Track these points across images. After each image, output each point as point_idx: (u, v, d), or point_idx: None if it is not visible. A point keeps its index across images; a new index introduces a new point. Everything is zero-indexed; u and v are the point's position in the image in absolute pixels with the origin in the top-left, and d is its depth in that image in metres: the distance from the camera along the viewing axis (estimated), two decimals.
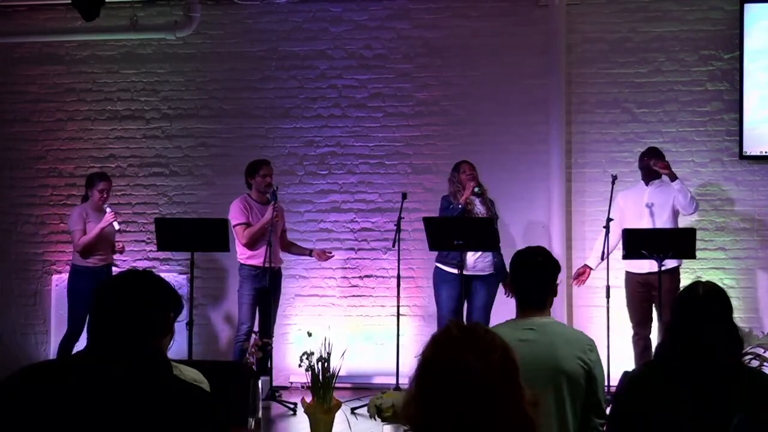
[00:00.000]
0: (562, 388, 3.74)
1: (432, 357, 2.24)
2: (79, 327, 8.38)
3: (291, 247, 8.82)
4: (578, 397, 3.78)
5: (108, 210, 8.46)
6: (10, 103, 10.02)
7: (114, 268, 8.74)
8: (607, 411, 6.12)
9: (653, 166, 8.19)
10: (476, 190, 8.18)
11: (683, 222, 8.58)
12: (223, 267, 9.33)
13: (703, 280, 3.49)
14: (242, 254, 8.44)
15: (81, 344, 8.30)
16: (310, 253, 8.80)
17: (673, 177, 8.14)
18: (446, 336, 2.27)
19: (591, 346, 3.87)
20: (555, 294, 3.96)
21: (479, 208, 8.28)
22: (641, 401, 3.25)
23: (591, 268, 8.29)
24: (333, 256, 8.88)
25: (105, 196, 8.55)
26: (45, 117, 9.96)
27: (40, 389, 2.50)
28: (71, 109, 9.93)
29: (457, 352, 2.21)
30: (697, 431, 3.17)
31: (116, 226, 8.47)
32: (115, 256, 8.81)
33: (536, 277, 3.91)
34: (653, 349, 8.14)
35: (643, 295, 8.15)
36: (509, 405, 2.19)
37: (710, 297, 3.31)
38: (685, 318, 3.29)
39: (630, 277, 8.22)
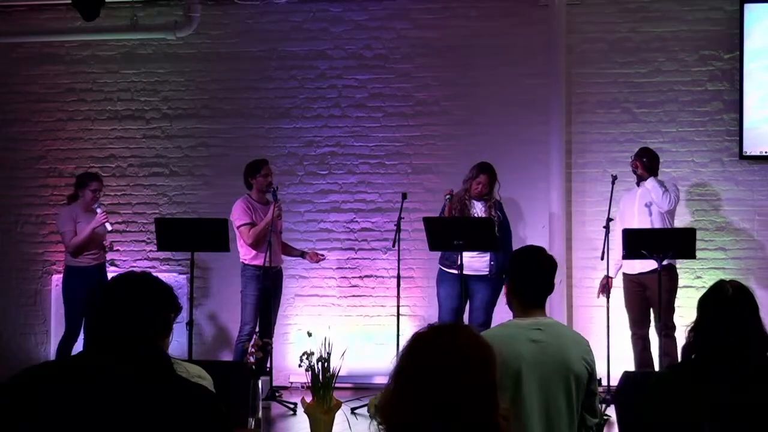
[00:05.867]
0: (571, 389, 3.73)
1: (407, 357, 2.20)
2: (76, 327, 8.36)
3: (284, 249, 8.72)
4: (581, 398, 3.78)
5: (99, 210, 8.35)
6: (10, 103, 10.01)
7: (114, 269, 8.72)
8: (608, 411, 6.13)
9: (632, 166, 8.25)
10: (446, 197, 8.19)
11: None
12: (223, 267, 9.31)
13: (727, 279, 3.43)
14: (246, 255, 8.41)
15: (80, 345, 8.36)
16: (302, 254, 8.75)
17: (646, 176, 8.14)
18: (422, 337, 2.22)
19: (589, 346, 3.90)
20: (552, 291, 3.98)
21: (477, 211, 8.27)
22: (671, 404, 3.19)
23: (612, 277, 8.22)
24: (325, 258, 8.86)
25: (97, 196, 8.44)
26: (45, 117, 9.95)
27: (43, 390, 2.50)
28: (71, 109, 9.92)
29: (430, 354, 2.17)
30: None
31: (108, 227, 8.38)
32: (115, 256, 8.78)
33: (538, 275, 3.88)
34: (651, 350, 8.18)
35: (638, 294, 8.16)
36: (480, 412, 2.13)
37: (739, 296, 3.27)
38: (715, 318, 3.24)
39: (625, 277, 8.24)
